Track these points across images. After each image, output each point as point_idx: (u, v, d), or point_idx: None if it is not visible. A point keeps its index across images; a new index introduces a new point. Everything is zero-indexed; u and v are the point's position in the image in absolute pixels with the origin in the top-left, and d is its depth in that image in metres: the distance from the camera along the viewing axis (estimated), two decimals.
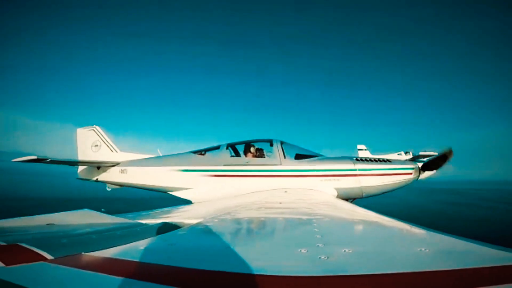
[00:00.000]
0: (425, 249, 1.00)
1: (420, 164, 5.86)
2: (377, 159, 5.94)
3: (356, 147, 33.56)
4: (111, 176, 6.84)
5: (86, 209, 2.47)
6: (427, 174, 5.90)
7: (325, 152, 6.55)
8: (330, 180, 5.62)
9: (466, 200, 33.60)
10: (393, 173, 5.68)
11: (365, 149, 32.97)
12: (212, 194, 5.91)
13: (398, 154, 27.99)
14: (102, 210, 2.64)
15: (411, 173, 5.75)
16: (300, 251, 1.03)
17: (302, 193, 4.73)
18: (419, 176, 5.82)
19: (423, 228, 1.52)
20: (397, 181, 5.69)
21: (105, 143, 7.28)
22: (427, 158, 5.97)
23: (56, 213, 2.37)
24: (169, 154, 6.94)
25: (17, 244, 1.30)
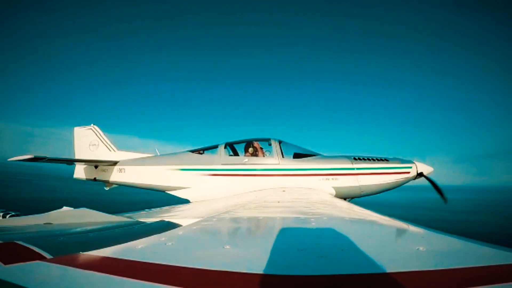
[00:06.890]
0: (423, 248, 1.01)
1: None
2: (375, 158, 5.95)
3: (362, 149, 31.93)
4: (109, 175, 6.82)
5: (84, 208, 2.47)
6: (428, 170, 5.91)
7: (323, 151, 6.56)
8: (329, 179, 5.63)
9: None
10: (391, 172, 5.69)
11: None
12: (210, 193, 5.91)
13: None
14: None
15: (409, 172, 5.77)
16: (298, 250, 1.03)
17: (300, 192, 4.74)
18: (417, 175, 5.84)
19: (421, 227, 1.53)
20: (395, 180, 5.71)
21: (102, 142, 7.26)
22: None
23: (54, 212, 2.37)
24: (167, 153, 6.93)
25: (15, 243, 1.30)
